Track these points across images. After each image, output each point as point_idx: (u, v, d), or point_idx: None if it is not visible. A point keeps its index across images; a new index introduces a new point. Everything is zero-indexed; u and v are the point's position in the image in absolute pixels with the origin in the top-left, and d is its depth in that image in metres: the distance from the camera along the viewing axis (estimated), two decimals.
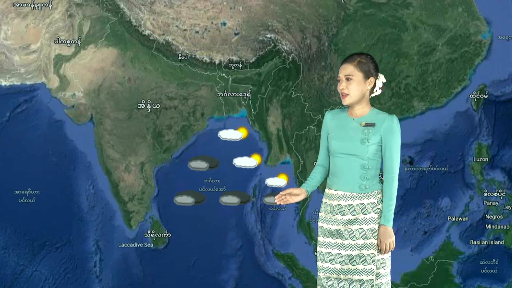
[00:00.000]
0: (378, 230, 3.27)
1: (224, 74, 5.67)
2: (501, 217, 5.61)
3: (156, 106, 5.66)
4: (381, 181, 3.33)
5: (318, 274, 3.35)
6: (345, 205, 3.30)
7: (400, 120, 5.79)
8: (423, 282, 5.66)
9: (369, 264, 3.25)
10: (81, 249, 5.74)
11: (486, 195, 5.63)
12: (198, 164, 5.56)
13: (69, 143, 5.72)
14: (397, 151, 3.29)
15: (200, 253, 5.73)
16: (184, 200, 5.60)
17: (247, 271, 5.76)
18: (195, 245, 5.72)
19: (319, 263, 3.35)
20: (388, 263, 3.32)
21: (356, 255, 3.26)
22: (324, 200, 3.40)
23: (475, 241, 5.64)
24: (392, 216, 3.28)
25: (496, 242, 5.62)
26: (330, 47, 5.67)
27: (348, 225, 3.29)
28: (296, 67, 5.67)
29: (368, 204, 3.28)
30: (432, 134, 5.65)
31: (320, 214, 3.39)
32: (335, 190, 3.33)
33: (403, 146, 5.64)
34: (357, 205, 3.29)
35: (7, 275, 5.71)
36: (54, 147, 5.72)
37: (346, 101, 3.31)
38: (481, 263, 5.63)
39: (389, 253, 3.33)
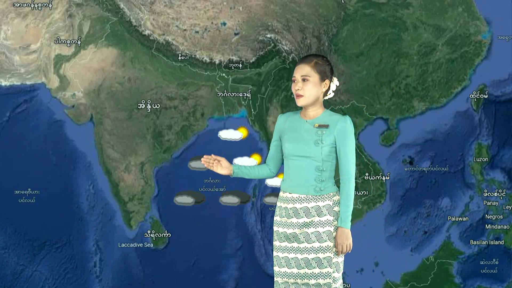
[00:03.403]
0: (336, 232, 3.23)
1: (224, 74, 5.67)
2: (501, 217, 5.61)
3: (156, 106, 5.66)
4: (337, 184, 3.30)
5: (276, 279, 3.31)
6: (300, 208, 3.26)
7: (400, 120, 5.78)
8: (423, 282, 5.66)
9: (326, 267, 3.21)
10: (81, 249, 5.74)
11: (486, 195, 5.63)
12: (198, 164, 5.56)
13: (69, 143, 5.72)
14: (351, 152, 3.25)
15: (200, 253, 5.73)
16: (184, 200, 5.60)
17: (247, 271, 5.76)
18: (195, 245, 5.72)
19: (276, 268, 3.31)
20: (341, 266, 3.28)
21: (312, 259, 3.23)
22: (278, 203, 3.36)
23: (475, 241, 5.64)
24: (350, 218, 3.24)
25: (496, 242, 5.62)
26: (330, 47, 5.67)
27: (304, 228, 3.25)
28: None
29: (323, 206, 3.24)
30: (432, 134, 5.65)
31: (275, 218, 3.35)
32: (289, 193, 3.30)
33: (403, 146, 5.67)
34: (312, 207, 3.25)
35: (7, 275, 5.72)
36: (54, 147, 5.72)
37: (300, 102, 3.27)
38: (481, 263, 5.63)
39: (343, 257, 3.28)
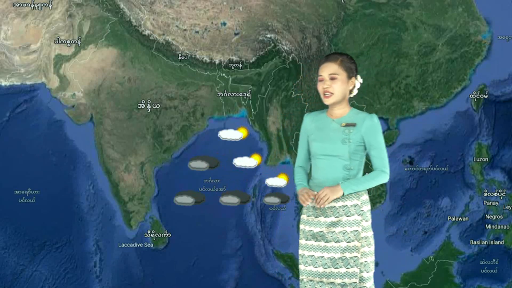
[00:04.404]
0: (362, 231, 3.22)
1: (224, 74, 5.67)
2: (501, 217, 5.61)
3: (156, 106, 5.66)
4: None
5: (301, 277, 3.30)
6: (328, 207, 3.24)
7: (400, 120, 5.79)
8: (423, 282, 5.65)
9: (352, 267, 3.20)
10: (81, 249, 5.74)
11: (486, 195, 5.63)
12: (198, 164, 5.56)
13: (69, 143, 5.72)
14: (382, 147, 3.25)
15: (200, 253, 5.73)
16: (184, 200, 5.60)
17: (247, 271, 5.76)
18: (195, 245, 5.72)
19: (301, 266, 3.30)
20: (372, 266, 3.27)
21: (339, 258, 3.21)
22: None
23: (475, 241, 5.64)
24: (353, 189, 3.20)
25: (496, 242, 5.62)
26: (330, 47, 5.67)
27: (331, 227, 3.23)
28: (296, 67, 5.67)
29: (351, 206, 3.23)
30: (432, 134, 5.65)
31: (302, 216, 3.34)
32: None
33: (403, 146, 5.67)
34: (340, 207, 3.23)
35: (7, 275, 5.72)
36: (54, 147, 5.72)
37: (329, 101, 3.26)
38: (481, 263, 5.63)
39: (373, 256, 3.28)
